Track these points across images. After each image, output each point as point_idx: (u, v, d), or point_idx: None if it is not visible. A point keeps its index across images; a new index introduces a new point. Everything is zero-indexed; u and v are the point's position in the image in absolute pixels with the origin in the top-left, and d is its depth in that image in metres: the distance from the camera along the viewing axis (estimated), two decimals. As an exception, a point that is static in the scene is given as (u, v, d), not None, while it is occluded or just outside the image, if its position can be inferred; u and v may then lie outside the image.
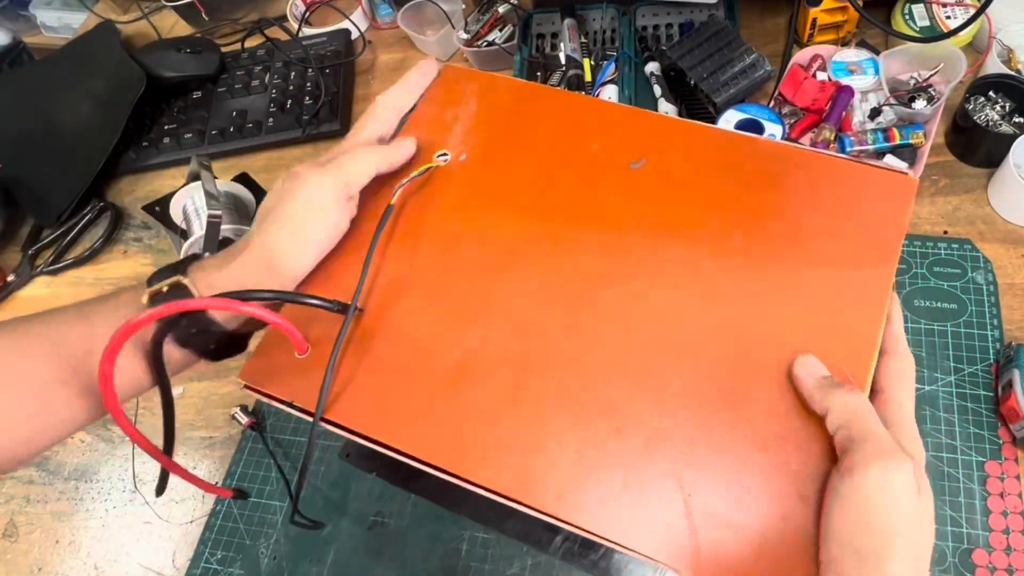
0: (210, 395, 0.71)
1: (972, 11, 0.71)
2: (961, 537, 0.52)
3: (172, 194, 0.70)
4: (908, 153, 0.67)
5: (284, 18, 0.93)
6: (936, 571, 0.51)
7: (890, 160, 0.68)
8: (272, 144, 0.83)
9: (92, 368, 0.34)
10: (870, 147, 0.67)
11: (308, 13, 0.90)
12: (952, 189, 0.68)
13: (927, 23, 0.73)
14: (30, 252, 0.83)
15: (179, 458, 0.64)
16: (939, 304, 0.61)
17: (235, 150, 0.83)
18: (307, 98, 0.81)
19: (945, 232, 0.65)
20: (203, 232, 0.64)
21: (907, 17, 0.74)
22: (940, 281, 0.62)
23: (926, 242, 0.65)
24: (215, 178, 0.67)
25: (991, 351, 0.58)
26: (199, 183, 0.65)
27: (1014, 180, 0.61)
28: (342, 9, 0.88)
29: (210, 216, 0.63)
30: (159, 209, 0.72)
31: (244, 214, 0.72)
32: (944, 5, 0.73)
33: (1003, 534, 0.51)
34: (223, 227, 0.65)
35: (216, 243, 0.63)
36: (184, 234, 0.71)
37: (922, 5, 0.74)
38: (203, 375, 0.72)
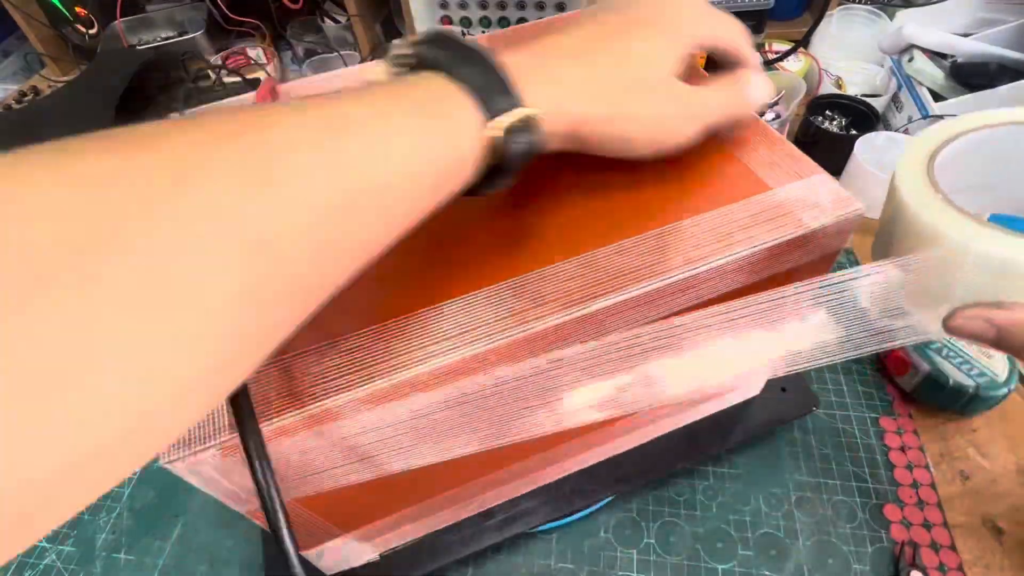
0: None
1: (798, 54, 0.79)
2: (868, 492, 0.44)
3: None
4: (760, 162, 0.69)
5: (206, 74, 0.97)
6: (848, 528, 0.42)
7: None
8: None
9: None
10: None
11: (226, 60, 0.97)
12: (804, 193, 0.69)
13: (761, 62, 0.79)
14: None
15: None
16: (808, 282, 0.59)
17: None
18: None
19: (803, 226, 0.65)
20: None
21: (745, 59, 0.80)
22: (805, 264, 0.60)
23: (787, 233, 0.64)
24: None
25: (865, 320, 0.55)
26: None
27: (861, 171, 0.63)
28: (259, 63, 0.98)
29: None
30: None
31: None
32: (775, 52, 0.81)
33: (911, 488, 0.44)
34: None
35: None
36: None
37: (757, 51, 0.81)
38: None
